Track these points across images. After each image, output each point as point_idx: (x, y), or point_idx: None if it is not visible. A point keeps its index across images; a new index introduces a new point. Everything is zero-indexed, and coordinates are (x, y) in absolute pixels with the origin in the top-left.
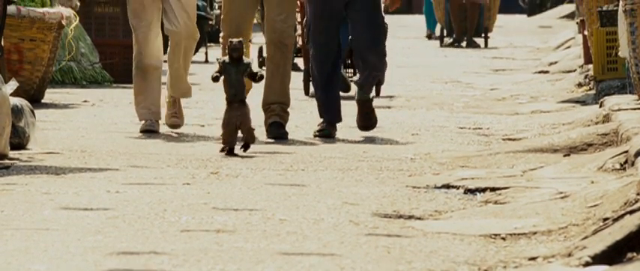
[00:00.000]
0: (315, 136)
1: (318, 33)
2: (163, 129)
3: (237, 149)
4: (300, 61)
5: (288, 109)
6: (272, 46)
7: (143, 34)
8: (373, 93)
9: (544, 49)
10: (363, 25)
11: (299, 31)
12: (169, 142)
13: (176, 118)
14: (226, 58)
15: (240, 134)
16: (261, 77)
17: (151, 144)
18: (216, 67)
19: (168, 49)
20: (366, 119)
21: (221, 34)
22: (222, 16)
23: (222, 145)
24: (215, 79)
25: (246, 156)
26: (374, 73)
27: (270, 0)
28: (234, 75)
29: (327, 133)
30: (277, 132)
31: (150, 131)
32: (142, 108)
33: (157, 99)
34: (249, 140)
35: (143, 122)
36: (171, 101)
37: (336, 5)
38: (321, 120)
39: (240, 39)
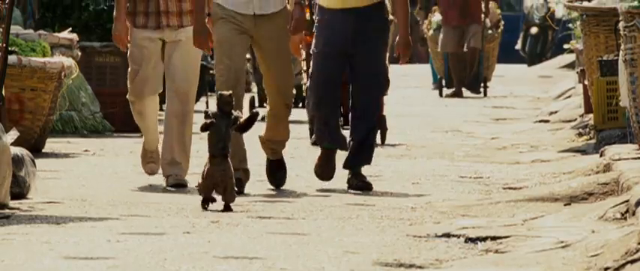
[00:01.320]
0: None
1: (319, 87)
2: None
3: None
4: (299, 112)
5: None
6: (276, 104)
7: (136, 89)
8: (378, 141)
9: (544, 99)
10: (362, 76)
11: (305, 81)
12: (169, 191)
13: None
14: (215, 111)
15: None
16: (252, 119)
17: (152, 193)
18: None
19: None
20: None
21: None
22: (214, 63)
23: (202, 200)
24: (204, 128)
25: (247, 205)
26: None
27: (268, 60)
28: (224, 129)
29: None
30: (278, 173)
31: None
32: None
33: (155, 136)
34: (229, 200)
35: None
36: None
37: (340, 65)
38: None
39: (231, 92)
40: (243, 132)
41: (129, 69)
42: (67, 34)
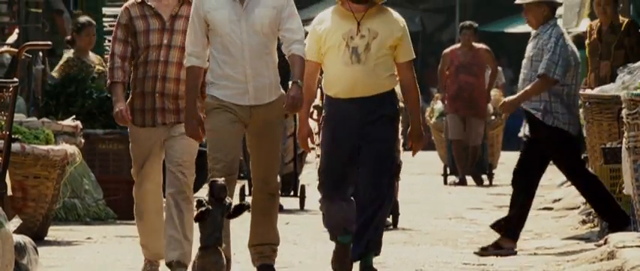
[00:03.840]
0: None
1: (329, 176)
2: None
3: None
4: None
5: (277, 248)
6: (259, 194)
7: (139, 184)
8: (390, 224)
9: (548, 186)
10: (370, 171)
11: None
12: None
13: None
14: (208, 199)
15: None
16: (242, 208)
17: None
18: (201, 207)
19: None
20: None
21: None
22: (208, 151)
23: None
24: (200, 218)
25: None
26: (374, 230)
27: (258, 146)
28: (220, 218)
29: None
30: None
31: None
32: (144, 248)
33: (159, 243)
34: None
35: (143, 264)
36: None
37: (347, 144)
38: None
39: (224, 179)
40: (230, 218)
41: (132, 170)
42: (70, 122)
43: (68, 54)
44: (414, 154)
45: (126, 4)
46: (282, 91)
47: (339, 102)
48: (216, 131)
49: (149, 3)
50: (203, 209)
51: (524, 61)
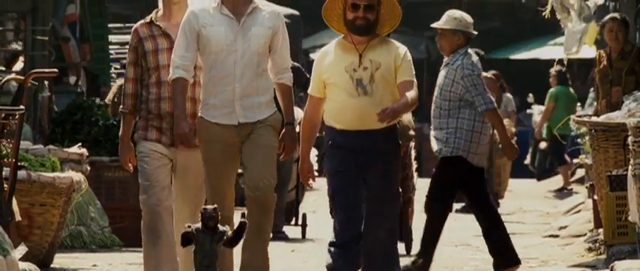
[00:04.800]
0: None
1: (338, 207)
2: None
3: None
4: (293, 229)
5: None
6: (253, 205)
7: (155, 201)
8: (403, 252)
9: (554, 214)
10: (375, 199)
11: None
12: None
13: None
14: (199, 226)
15: None
16: (242, 227)
17: None
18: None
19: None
20: None
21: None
22: (205, 184)
23: None
24: (184, 243)
25: None
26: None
27: (252, 158)
28: (209, 246)
29: None
30: None
31: None
32: None
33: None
34: None
35: None
36: None
37: (355, 174)
38: None
39: (215, 206)
40: (232, 246)
41: (140, 188)
42: (76, 149)
43: (120, 81)
44: (380, 120)
45: (136, 25)
46: (276, 109)
47: (346, 133)
48: (208, 164)
49: (158, 23)
50: (183, 232)
51: (436, 89)
